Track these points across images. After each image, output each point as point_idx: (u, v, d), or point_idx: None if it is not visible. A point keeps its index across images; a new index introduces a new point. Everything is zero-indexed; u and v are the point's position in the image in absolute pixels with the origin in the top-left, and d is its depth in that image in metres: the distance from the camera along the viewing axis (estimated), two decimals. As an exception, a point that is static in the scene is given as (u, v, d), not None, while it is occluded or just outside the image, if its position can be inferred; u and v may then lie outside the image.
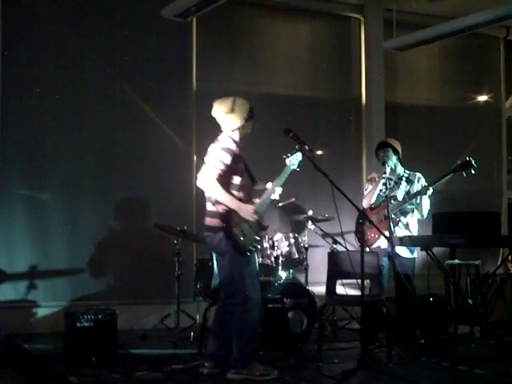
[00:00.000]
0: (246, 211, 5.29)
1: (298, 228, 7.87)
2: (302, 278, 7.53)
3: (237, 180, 5.35)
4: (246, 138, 5.52)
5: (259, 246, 6.45)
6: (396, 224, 6.60)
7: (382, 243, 6.60)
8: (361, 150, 9.36)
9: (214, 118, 5.47)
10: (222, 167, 5.23)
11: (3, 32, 7.47)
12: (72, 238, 7.68)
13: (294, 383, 5.31)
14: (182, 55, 8.39)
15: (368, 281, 6.06)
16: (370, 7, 9.32)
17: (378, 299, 6.12)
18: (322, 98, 9.22)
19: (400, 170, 6.85)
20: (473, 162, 6.33)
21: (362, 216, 5.58)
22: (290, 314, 6.54)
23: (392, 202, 6.56)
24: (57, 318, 6.94)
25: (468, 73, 10.13)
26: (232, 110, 5.37)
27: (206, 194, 5.40)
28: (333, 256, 6.53)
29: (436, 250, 6.30)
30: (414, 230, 6.71)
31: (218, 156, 5.26)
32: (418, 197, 6.58)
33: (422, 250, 6.29)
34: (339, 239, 7.52)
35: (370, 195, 6.75)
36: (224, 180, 5.24)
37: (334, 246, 7.55)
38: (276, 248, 6.92)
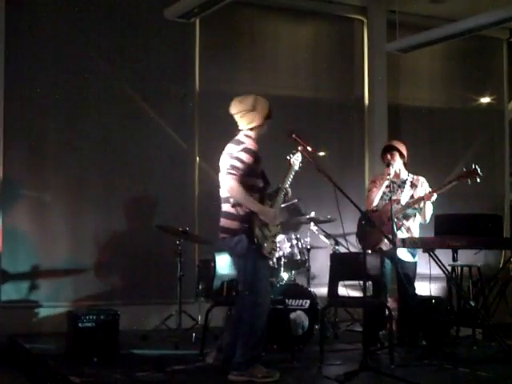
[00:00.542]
0: (268, 214, 5.24)
1: (300, 229, 7.88)
2: (304, 280, 7.52)
3: (253, 181, 5.26)
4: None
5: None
6: (399, 227, 6.60)
7: (384, 245, 6.59)
8: (363, 152, 9.36)
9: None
10: (245, 168, 5.16)
11: (6, 33, 7.48)
12: (74, 239, 7.69)
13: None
14: (184, 56, 8.40)
15: (370, 282, 6.05)
16: (372, 9, 9.31)
17: (380, 301, 6.12)
18: (324, 99, 9.21)
19: (404, 174, 6.84)
20: (479, 170, 6.33)
21: (365, 217, 5.57)
22: (291, 316, 6.54)
23: (395, 205, 6.56)
24: (59, 318, 6.93)
25: (470, 75, 10.12)
26: (253, 108, 5.32)
27: (222, 195, 5.33)
28: (335, 257, 6.53)
29: (438, 251, 6.30)
30: (416, 234, 6.70)
31: (240, 157, 5.18)
32: (422, 202, 6.57)
33: (424, 251, 6.29)
34: (341, 241, 7.52)
35: (373, 197, 6.74)
36: (243, 181, 5.16)
37: (337, 247, 7.54)
38: (278, 249, 6.91)
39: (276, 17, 9.09)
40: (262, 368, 5.25)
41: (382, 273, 6.21)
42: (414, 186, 6.79)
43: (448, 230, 6.54)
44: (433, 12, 9.20)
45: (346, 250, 7.33)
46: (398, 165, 6.75)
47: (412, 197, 6.72)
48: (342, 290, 6.41)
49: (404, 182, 6.81)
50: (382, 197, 6.72)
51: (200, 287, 6.77)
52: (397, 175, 6.78)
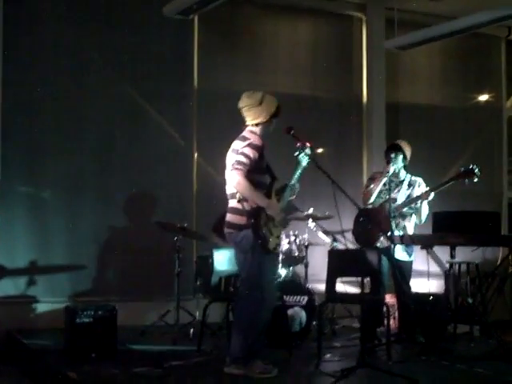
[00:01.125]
0: (274, 209, 5.24)
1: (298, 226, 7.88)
2: (301, 276, 7.53)
3: (259, 177, 5.28)
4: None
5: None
6: (396, 226, 6.61)
7: (380, 243, 6.59)
8: (361, 150, 9.35)
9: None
10: (250, 164, 5.17)
11: (4, 32, 7.46)
12: (72, 235, 7.68)
13: (293, 381, 5.32)
14: (183, 54, 8.39)
15: (368, 279, 6.06)
16: (371, 6, 9.31)
17: (377, 297, 6.13)
18: (322, 97, 9.21)
19: (403, 174, 6.86)
20: (476, 170, 6.34)
21: (363, 214, 5.58)
22: (289, 312, 6.54)
23: (392, 204, 6.57)
24: (56, 313, 6.92)
25: (469, 72, 10.12)
26: (260, 103, 5.33)
27: (229, 191, 5.34)
28: (333, 254, 6.54)
29: (436, 248, 6.31)
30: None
31: (246, 152, 5.20)
32: (418, 202, 6.58)
33: (422, 248, 6.30)
34: (339, 237, 7.53)
35: (371, 193, 6.75)
36: (250, 177, 5.17)
37: (335, 243, 7.55)
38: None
39: (275, 15, 9.08)
40: (260, 364, 5.26)
41: (380, 269, 6.22)
42: (411, 186, 6.81)
43: (446, 227, 6.55)
44: (431, 10, 9.19)
45: (344, 247, 7.34)
46: (398, 164, 6.76)
47: (409, 197, 6.74)
48: (340, 287, 6.41)
49: (401, 182, 6.82)
50: (378, 195, 6.73)
51: (198, 283, 6.79)
52: (395, 174, 6.79)
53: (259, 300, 5.19)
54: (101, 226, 7.86)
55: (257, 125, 5.37)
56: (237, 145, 5.32)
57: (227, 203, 5.42)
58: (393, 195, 6.67)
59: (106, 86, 7.95)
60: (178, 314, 6.94)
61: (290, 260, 6.99)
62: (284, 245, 6.95)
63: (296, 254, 7.03)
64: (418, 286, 7.06)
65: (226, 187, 5.38)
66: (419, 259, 6.70)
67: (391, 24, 8.69)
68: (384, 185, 6.64)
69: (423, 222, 6.71)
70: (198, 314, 7.20)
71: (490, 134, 10.32)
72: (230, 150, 5.38)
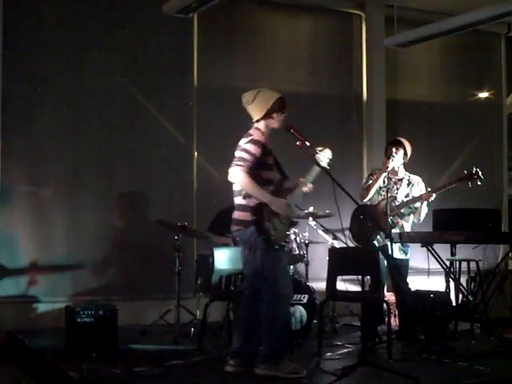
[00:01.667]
0: (279, 205, 5.21)
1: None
2: (302, 274, 7.53)
3: (265, 173, 5.26)
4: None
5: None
6: (395, 225, 6.61)
7: (376, 241, 6.58)
8: (361, 147, 9.35)
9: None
10: (252, 160, 5.15)
11: (4, 30, 7.45)
12: (73, 234, 7.68)
13: (294, 379, 5.31)
14: (182, 51, 8.39)
15: (368, 277, 6.06)
16: (371, 3, 9.30)
17: (378, 295, 6.13)
18: (322, 94, 9.20)
19: (401, 172, 6.86)
20: (480, 173, 6.35)
21: (360, 211, 5.57)
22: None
23: (392, 203, 6.57)
24: (57, 313, 6.94)
25: (469, 69, 10.12)
26: (253, 100, 5.32)
27: (235, 188, 5.32)
28: (333, 252, 6.53)
29: (436, 246, 6.30)
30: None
31: (247, 148, 5.19)
32: (419, 201, 6.58)
33: (422, 246, 6.30)
34: (340, 235, 7.52)
35: (370, 189, 6.74)
36: (252, 173, 5.14)
37: (335, 241, 7.54)
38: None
39: (274, 11, 9.08)
40: (288, 363, 5.24)
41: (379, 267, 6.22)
42: (410, 184, 6.81)
43: (446, 225, 6.55)
44: (431, 6, 9.18)
45: (344, 245, 7.34)
46: (398, 161, 6.76)
47: (407, 195, 6.74)
48: (341, 285, 6.40)
49: (401, 180, 6.82)
50: (378, 191, 6.73)
51: (198, 282, 6.79)
52: (394, 172, 6.79)
53: (277, 295, 5.16)
54: (101, 226, 7.85)
55: (258, 121, 5.37)
56: (241, 141, 5.32)
57: (233, 200, 5.38)
58: (391, 193, 6.66)
59: (106, 84, 7.95)
60: (178, 313, 6.94)
61: (291, 258, 6.98)
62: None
63: (296, 253, 7.02)
64: (419, 283, 7.05)
65: (233, 184, 5.35)
66: (419, 257, 6.69)
67: (391, 21, 8.69)
68: (383, 181, 6.63)
69: (421, 221, 6.72)
70: (198, 312, 7.20)
71: (490, 131, 10.32)
72: (237, 147, 5.36)
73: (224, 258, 6.54)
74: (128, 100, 8.03)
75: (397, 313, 6.92)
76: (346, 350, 6.33)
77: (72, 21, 7.81)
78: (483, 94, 10.29)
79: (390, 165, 6.63)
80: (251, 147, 5.19)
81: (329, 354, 6.14)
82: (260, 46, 8.88)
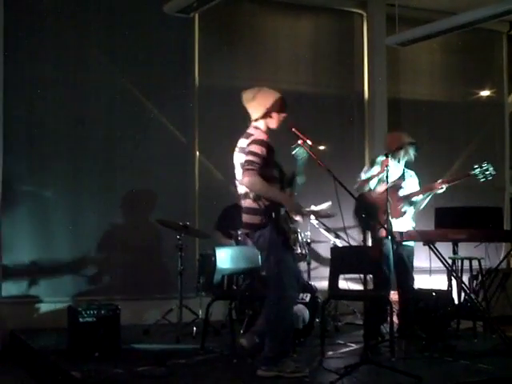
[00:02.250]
0: (292, 204, 5.19)
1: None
2: (304, 273, 7.53)
3: (270, 171, 5.20)
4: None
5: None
6: (402, 214, 6.64)
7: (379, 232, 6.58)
8: (363, 146, 9.36)
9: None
10: (260, 161, 5.08)
11: (5, 31, 7.46)
12: (75, 234, 7.69)
13: (297, 378, 5.30)
14: (184, 51, 8.39)
15: (371, 275, 6.06)
16: (372, 2, 9.31)
17: (380, 294, 6.12)
18: (324, 93, 9.21)
19: (400, 170, 6.88)
20: (491, 168, 6.40)
21: (360, 202, 5.58)
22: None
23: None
24: (59, 313, 6.93)
25: (470, 68, 10.11)
26: (253, 98, 5.29)
27: (240, 191, 5.26)
28: (335, 251, 6.52)
29: (438, 244, 6.30)
30: (410, 224, 6.73)
31: (253, 150, 5.11)
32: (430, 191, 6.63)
33: (424, 244, 6.29)
34: (342, 234, 7.52)
35: (367, 182, 6.75)
36: (262, 173, 5.08)
37: (337, 239, 7.54)
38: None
39: (275, 11, 9.08)
40: (291, 363, 5.21)
41: (380, 266, 6.20)
42: (408, 176, 6.86)
43: (448, 223, 6.55)
44: (432, 5, 9.19)
45: (346, 244, 7.33)
46: (400, 161, 6.79)
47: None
48: (343, 284, 6.39)
49: (403, 175, 6.84)
50: (378, 182, 6.73)
51: (201, 281, 6.78)
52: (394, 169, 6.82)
53: (281, 298, 5.12)
54: (103, 225, 7.86)
55: (256, 120, 5.34)
56: (242, 143, 5.26)
57: (240, 203, 5.32)
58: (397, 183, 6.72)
59: (107, 84, 7.96)
60: (181, 313, 6.94)
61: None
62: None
63: (298, 252, 7.02)
64: (421, 282, 7.05)
65: (237, 187, 5.33)
66: (421, 255, 6.69)
67: (392, 20, 8.69)
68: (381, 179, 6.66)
69: (421, 209, 6.75)
70: (201, 312, 7.20)
71: (492, 129, 10.32)
72: (237, 149, 5.31)
73: (226, 257, 6.53)
74: (129, 100, 8.03)
75: (398, 311, 6.92)
76: (348, 349, 6.35)
77: (73, 21, 7.82)
78: (485, 93, 10.28)
79: (390, 164, 6.62)
80: (256, 148, 5.12)
81: (331, 352, 6.14)
82: (261, 46, 8.88)
